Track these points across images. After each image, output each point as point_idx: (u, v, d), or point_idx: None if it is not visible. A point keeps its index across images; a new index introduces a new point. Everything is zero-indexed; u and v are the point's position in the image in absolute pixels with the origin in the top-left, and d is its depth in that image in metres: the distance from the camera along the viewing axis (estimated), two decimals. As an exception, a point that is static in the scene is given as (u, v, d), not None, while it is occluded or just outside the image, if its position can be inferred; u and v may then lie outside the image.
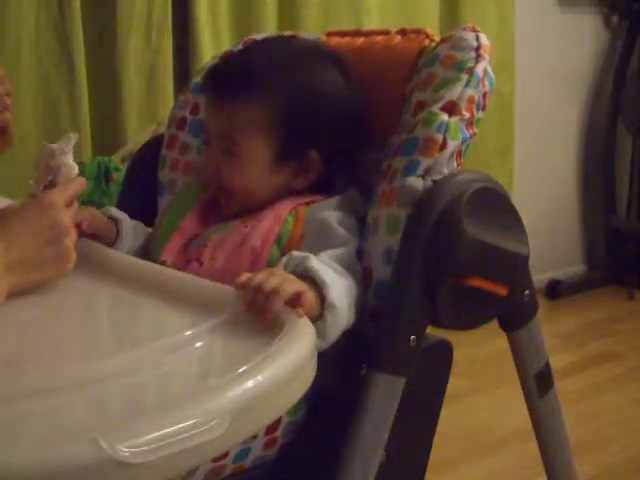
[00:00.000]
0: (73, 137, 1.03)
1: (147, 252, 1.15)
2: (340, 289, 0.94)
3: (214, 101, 1.13)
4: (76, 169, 1.03)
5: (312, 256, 0.95)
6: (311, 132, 1.10)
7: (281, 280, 0.86)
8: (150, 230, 1.22)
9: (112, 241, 1.15)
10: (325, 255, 0.99)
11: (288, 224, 1.05)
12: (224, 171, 1.10)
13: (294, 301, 0.85)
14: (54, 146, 1.02)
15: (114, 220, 1.17)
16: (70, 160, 1.02)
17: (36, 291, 0.96)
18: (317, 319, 0.90)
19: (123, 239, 1.16)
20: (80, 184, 1.00)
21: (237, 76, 1.11)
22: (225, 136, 1.09)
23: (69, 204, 0.95)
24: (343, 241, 1.04)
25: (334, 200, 1.09)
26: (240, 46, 1.35)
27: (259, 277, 0.85)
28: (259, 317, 0.83)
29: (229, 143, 1.09)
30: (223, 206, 1.13)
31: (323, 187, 1.12)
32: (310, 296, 0.89)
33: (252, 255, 1.03)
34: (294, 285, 0.86)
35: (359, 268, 1.03)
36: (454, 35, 1.10)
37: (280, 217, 1.06)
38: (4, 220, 0.89)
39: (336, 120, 1.11)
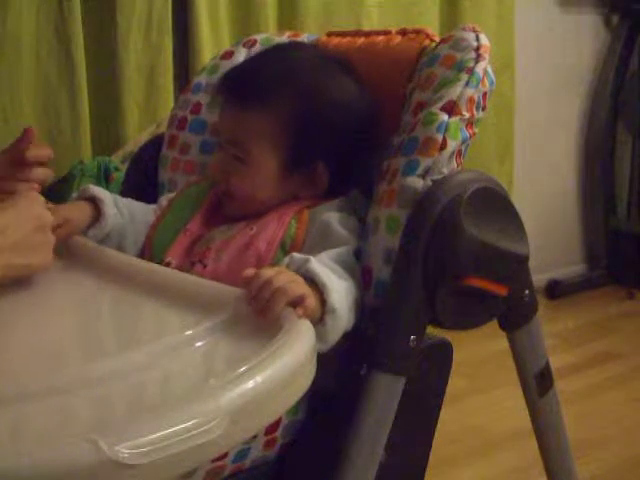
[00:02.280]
0: None
1: (149, 247, 1.14)
2: (340, 292, 0.94)
3: (226, 107, 1.13)
4: None
5: (313, 258, 0.94)
6: (319, 145, 1.11)
7: (288, 280, 0.86)
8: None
9: (89, 224, 1.13)
10: (325, 256, 0.99)
11: (292, 227, 1.06)
12: (232, 177, 1.11)
13: (297, 303, 0.85)
14: None
15: (93, 198, 1.15)
16: None
17: (36, 291, 0.96)
18: (317, 323, 0.90)
19: (106, 217, 1.13)
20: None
21: (249, 86, 1.11)
22: (235, 143, 1.10)
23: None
24: (343, 241, 1.04)
25: (336, 202, 1.10)
26: (241, 46, 1.35)
27: (267, 274, 0.85)
28: (261, 314, 0.83)
29: (239, 150, 1.10)
30: (226, 209, 1.13)
31: (329, 191, 1.13)
32: (312, 300, 0.88)
33: (257, 258, 1.03)
34: (300, 287, 0.86)
35: (358, 268, 1.03)
36: (454, 35, 1.10)
37: (284, 221, 1.06)
38: None
39: (345, 132, 1.11)
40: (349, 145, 1.12)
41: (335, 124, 1.11)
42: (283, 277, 0.85)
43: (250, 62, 1.22)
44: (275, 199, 1.10)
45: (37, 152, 1.13)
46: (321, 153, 1.11)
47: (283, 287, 0.84)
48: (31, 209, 0.95)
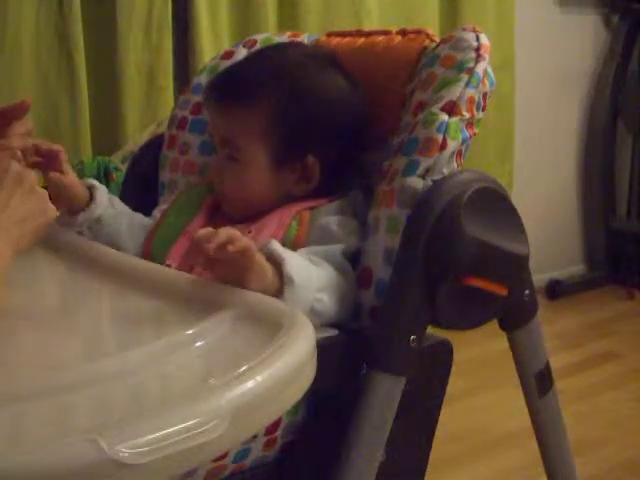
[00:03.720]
0: None
1: (148, 250, 1.15)
2: (302, 267, 0.95)
3: (214, 108, 1.15)
4: None
5: (274, 241, 0.97)
6: (306, 137, 1.11)
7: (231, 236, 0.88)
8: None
9: (84, 205, 1.17)
10: (304, 250, 1.01)
11: (292, 229, 1.06)
12: (226, 177, 1.12)
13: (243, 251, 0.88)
14: None
15: (89, 186, 1.19)
16: None
17: (36, 291, 0.96)
18: (277, 296, 0.92)
19: (97, 202, 1.17)
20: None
21: (235, 84, 1.13)
22: (227, 141, 1.12)
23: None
24: (338, 241, 1.05)
25: (336, 204, 1.10)
26: (241, 46, 1.36)
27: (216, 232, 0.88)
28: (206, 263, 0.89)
29: (231, 148, 1.12)
30: (226, 211, 1.14)
31: (326, 190, 1.13)
32: (262, 260, 0.91)
33: None
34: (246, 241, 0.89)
35: (348, 266, 1.03)
36: (454, 35, 1.10)
37: (284, 223, 1.06)
38: None
39: (334, 125, 1.12)
40: (339, 139, 1.13)
41: (321, 117, 1.11)
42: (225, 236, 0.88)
43: (237, 64, 1.25)
44: (270, 197, 1.11)
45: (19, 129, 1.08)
46: (310, 146, 1.11)
47: (232, 236, 0.87)
48: (3, 173, 0.90)
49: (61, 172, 1.13)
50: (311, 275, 0.96)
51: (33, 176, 0.93)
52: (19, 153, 1.04)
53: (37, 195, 0.91)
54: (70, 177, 1.15)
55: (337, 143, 1.13)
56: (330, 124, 1.12)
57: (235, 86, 1.13)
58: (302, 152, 1.11)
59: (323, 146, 1.12)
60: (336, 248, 1.04)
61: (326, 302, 0.97)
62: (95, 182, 1.20)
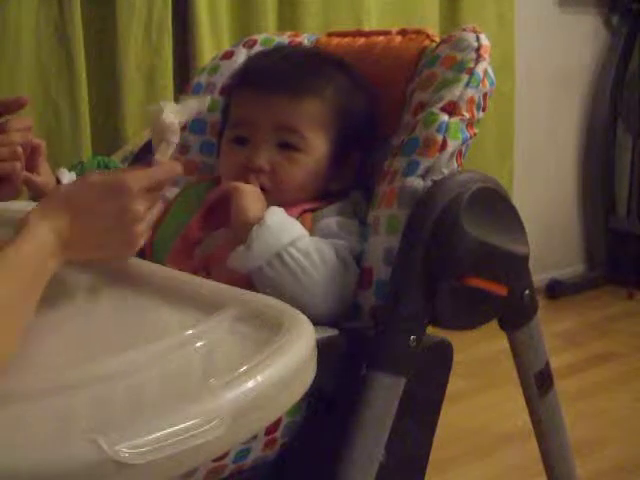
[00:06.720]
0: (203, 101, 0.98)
1: (150, 248, 1.14)
2: (283, 217, 1.01)
3: (274, 97, 1.12)
4: (176, 137, 0.93)
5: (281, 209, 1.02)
6: (358, 134, 1.14)
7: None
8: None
9: None
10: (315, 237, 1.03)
11: None
12: (282, 166, 1.11)
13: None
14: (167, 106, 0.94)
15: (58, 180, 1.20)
16: (176, 125, 0.93)
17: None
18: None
19: None
20: (170, 169, 0.91)
21: (302, 75, 1.13)
22: (286, 128, 1.11)
23: (151, 189, 0.88)
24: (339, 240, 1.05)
25: (337, 205, 1.10)
26: (241, 46, 1.35)
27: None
28: None
29: (294, 136, 1.11)
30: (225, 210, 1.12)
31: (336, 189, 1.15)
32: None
33: None
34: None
35: (353, 263, 1.03)
36: (455, 36, 1.11)
37: None
38: (74, 194, 0.86)
39: (369, 125, 1.16)
40: (370, 138, 1.16)
41: (367, 115, 1.15)
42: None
43: (284, 54, 1.22)
44: (310, 192, 1.12)
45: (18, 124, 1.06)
46: (356, 144, 1.14)
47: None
48: (111, 202, 0.84)
49: (36, 170, 1.09)
50: (291, 227, 1.00)
51: (143, 219, 0.87)
52: (20, 149, 1.04)
53: (125, 235, 0.87)
54: (43, 177, 1.10)
55: (371, 139, 1.17)
56: (370, 123, 1.15)
57: (303, 77, 1.13)
58: (351, 148, 1.14)
59: (364, 144, 1.15)
60: (342, 243, 1.04)
61: (298, 258, 0.98)
62: (64, 176, 1.19)
